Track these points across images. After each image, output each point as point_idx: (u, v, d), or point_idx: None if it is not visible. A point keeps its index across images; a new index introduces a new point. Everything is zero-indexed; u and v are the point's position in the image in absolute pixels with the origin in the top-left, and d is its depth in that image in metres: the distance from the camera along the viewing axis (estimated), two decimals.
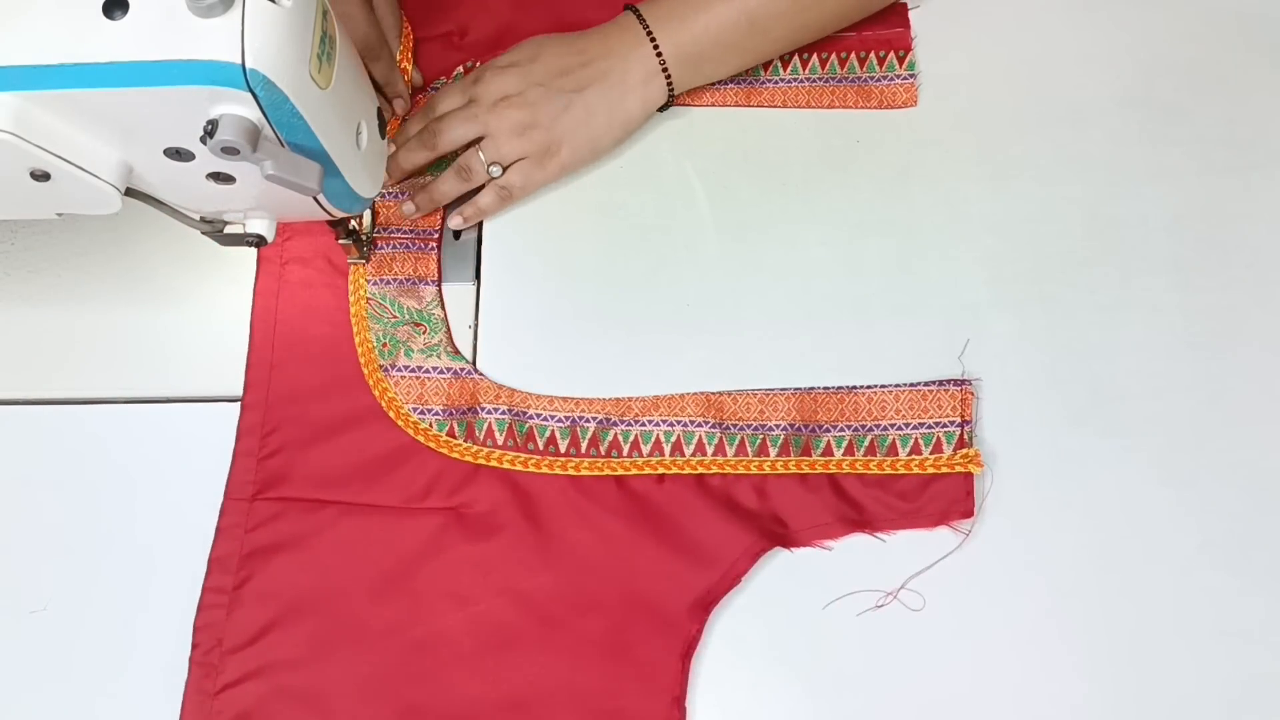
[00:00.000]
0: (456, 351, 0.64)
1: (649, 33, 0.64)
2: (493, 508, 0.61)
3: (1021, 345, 0.64)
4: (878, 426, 0.62)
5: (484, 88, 0.65)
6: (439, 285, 0.66)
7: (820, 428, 0.62)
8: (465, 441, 0.62)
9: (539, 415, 0.63)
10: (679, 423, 0.62)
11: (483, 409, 0.63)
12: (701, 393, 0.63)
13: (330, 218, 0.57)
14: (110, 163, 0.47)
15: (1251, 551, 0.60)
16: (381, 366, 0.64)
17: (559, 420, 0.63)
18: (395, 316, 0.64)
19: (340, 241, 0.63)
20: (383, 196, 0.67)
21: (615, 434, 0.62)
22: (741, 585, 0.59)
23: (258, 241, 0.55)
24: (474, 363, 0.65)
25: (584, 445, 0.62)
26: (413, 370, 0.64)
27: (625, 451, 0.62)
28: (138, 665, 0.61)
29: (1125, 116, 0.69)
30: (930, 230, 0.67)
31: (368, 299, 0.65)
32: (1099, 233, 0.66)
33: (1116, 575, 0.60)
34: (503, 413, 0.63)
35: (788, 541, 0.60)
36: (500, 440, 0.62)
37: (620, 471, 0.62)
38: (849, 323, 0.65)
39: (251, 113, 0.44)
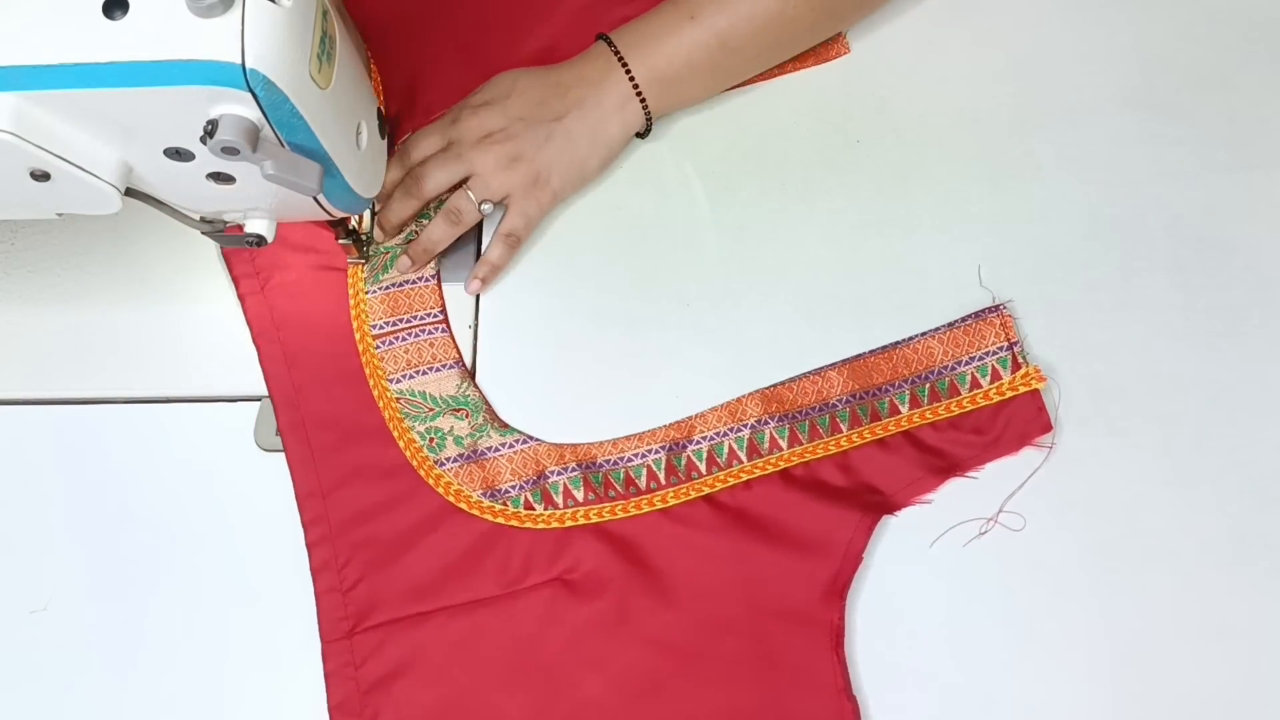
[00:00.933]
0: (504, 425, 0.63)
1: (620, 58, 0.64)
2: (596, 565, 0.60)
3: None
4: (932, 374, 0.62)
5: (463, 128, 0.65)
6: (463, 365, 0.65)
7: (880, 390, 0.62)
8: (546, 509, 0.61)
9: (608, 461, 0.62)
10: (745, 426, 0.62)
11: (551, 473, 0.62)
12: (757, 391, 0.63)
13: (330, 218, 0.57)
14: (110, 163, 0.47)
15: (1253, 551, 0.60)
16: (436, 462, 0.62)
17: (628, 460, 0.62)
18: (431, 409, 0.63)
19: (340, 241, 0.63)
20: (383, 289, 0.65)
21: (688, 456, 0.62)
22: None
23: (258, 241, 0.55)
24: (474, 364, 0.65)
25: (662, 476, 0.62)
26: (468, 457, 0.62)
27: (704, 470, 0.62)
28: (138, 665, 0.61)
29: (1125, 116, 0.69)
30: (930, 230, 0.67)
31: (396, 399, 0.63)
32: (1099, 233, 0.66)
33: (1117, 575, 0.60)
34: (573, 470, 0.62)
35: (889, 507, 0.61)
36: (581, 497, 0.61)
37: (707, 490, 0.61)
38: (849, 321, 0.65)
39: (251, 113, 0.44)
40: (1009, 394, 0.61)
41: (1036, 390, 0.61)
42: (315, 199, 0.53)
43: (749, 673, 0.59)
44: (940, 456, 0.61)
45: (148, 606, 0.62)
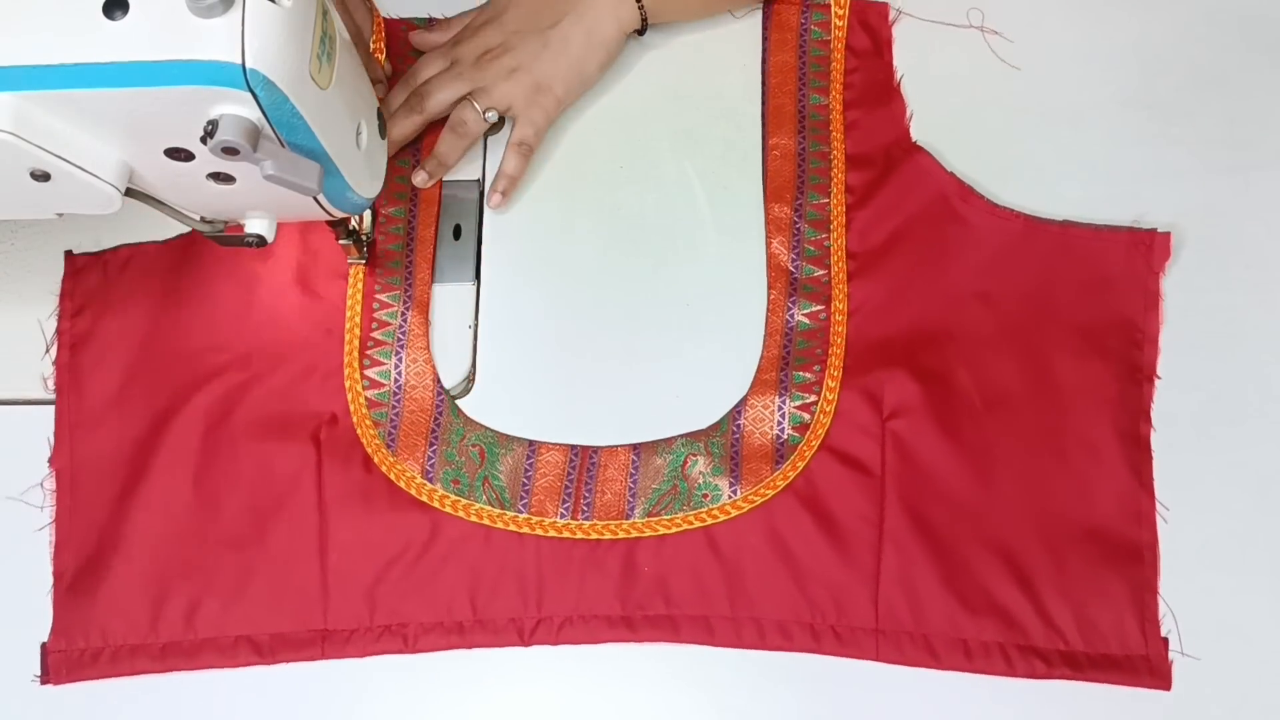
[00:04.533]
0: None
1: None
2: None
3: None
4: (803, 67, 0.70)
5: (464, 48, 0.66)
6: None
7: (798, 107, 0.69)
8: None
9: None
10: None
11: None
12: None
13: (330, 218, 0.57)
14: (110, 163, 0.47)
15: (1253, 551, 0.60)
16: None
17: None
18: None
19: (340, 242, 0.63)
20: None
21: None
22: None
23: (258, 241, 0.55)
24: (473, 364, 0.65)
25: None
26: None
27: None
28: None
29: (1125, 116, 0.69)
30: None
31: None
32: None
33: None
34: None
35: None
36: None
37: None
38: None
39: (251, 113, 0.44)
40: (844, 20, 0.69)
41: None
42: (315, 199, 0.53)
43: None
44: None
45: None
